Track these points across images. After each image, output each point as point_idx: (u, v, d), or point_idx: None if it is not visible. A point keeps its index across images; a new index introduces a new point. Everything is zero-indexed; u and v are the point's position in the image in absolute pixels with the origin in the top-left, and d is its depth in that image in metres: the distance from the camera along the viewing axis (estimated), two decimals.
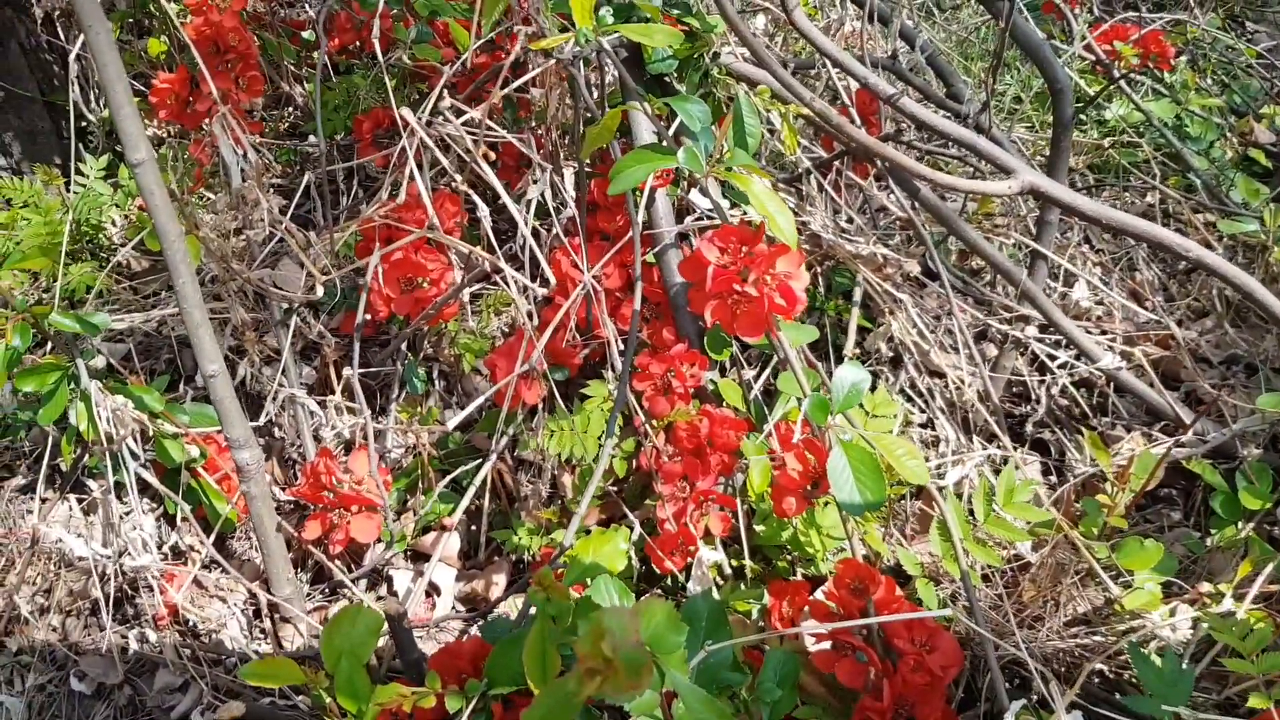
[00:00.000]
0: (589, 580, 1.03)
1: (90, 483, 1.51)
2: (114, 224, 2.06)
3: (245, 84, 1.73)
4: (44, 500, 1.51)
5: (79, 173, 2.02)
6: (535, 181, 1.51)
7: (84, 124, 2.22)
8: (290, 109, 2.48)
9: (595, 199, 1.71)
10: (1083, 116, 2.43)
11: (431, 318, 1.54)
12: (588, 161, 1.64)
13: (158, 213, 1.14)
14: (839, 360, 1.73)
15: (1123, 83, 2.22)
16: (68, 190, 2.04)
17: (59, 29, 2.27)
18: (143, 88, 2.35)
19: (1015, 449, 1.67)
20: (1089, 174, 2.35)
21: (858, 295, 1.66)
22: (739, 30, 1.24)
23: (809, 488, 1.09)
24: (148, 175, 1.13)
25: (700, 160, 1.01)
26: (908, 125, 1.99)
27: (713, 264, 0.97)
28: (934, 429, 1.62)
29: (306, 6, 2.50)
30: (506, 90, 1.58)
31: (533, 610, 1.07)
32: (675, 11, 1.60)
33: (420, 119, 1.41)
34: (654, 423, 1.34)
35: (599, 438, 1.42)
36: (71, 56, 1.56)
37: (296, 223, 2.10)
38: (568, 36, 1.03)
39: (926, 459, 1.53)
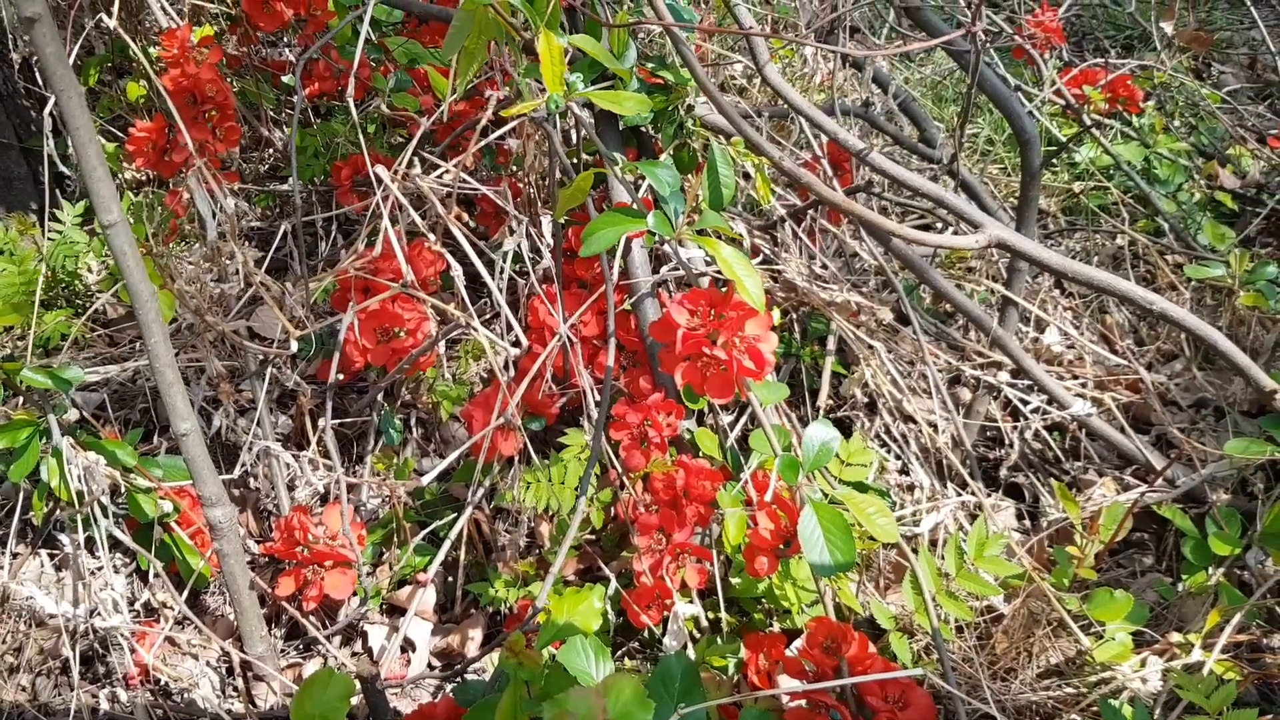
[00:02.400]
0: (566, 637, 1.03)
1: (62, 537, 1.49)
2: (90, 270, 2.05)
3: (222, 134, 1.74)
4: (15, 555, 1.49)
5: (55, 219, 2.01)
6: (512, 232, 1.52)
7: (60, 170, 2.22)
8: (270, 151, 2.49)
9: (572, 246, 1.72)
10: (1054, 160, 2.47)
11: (408, 369, 1.54)
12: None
13: (130, 274, 1.14)
14: (815, 403, 1.75)
15: (1093, 127, 2.26)
16: (44, 237, 2.04)
17: (36, 75, 2.28)
18: (120, 133, 2.36)
19: (989, 494, 1.68)
20: (1060, 217, 2.39)
21: (832, 343, 1.68)
22: (710, 93, 1.26)
23: (781, 546, 1.10)
24: (119, 237, 1.13)
25: (670, 224, 1.02)
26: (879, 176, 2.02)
27: (682, 327, 0.99)
28: (910, 474, 1.64)
29: (286, 51, 2.52)
30: (484, 142, 1.59)
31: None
32: (650, 65, 1.63)
33: (396, 173, 1.42)
34: (630, 475, 1.34)
35: (575, 489, 1.42)
36: (46, 111, 1.56)
37: (275, 267, 2.10)
38: (539, 102, 1.05)
39: (902, 505, 1.54)
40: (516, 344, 1.25)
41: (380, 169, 1.29)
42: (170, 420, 1.22)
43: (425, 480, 1.27)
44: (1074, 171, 2.47)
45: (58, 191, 2.24)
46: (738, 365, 0.97)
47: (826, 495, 1.08)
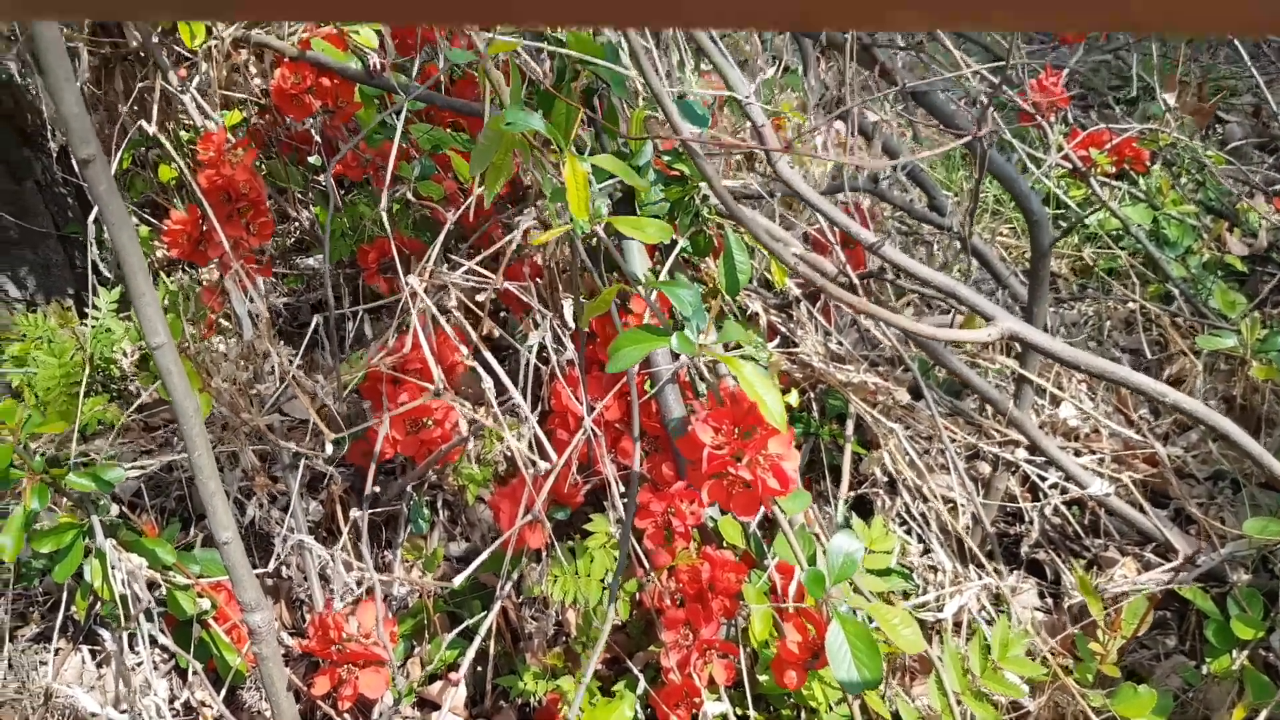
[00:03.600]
0: None
1: (103, 632, 1.53)
2: (125, 354, 2.11)
3: (256, 229, 1.81)
4: (57, 651, 1.53)
5: (93, 306, 2.08)
6: (536, 326, 1.57)
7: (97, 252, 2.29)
8: (296, 225, 2.56)
9: (593, 328, 1.77)
10: (1062, 221, 2.51)
11: (437, 462, 1.58)
12: (587, 294, 1.70)
13: (175, 390, 1.19)
14: (834, 480, 1.78)
15: (1101, 189, 2.30)
16: (81, 325, 2.10)
17: (73, 162, 2.36)
18: (152, 216, 2.43)
19: (1011, 570, 1.70)
20: (1071, 279, 2.42)
21: (850, 427, 1.71)
22: (727, 204, 1.31)
23: (809, 659, 1.12)
24: (166, 357, 1.18)
25: (692, 343, 1.06)
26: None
27: (708, 446, 1.02)
28: (931, 554, 1.66)
29: (312, 130, 2.59)
30: (505, 236, 1.64)
31: None
32: (666, 157, 1.68)
33: (423, 270, 1.47)
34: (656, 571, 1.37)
35: (601, 581, 1.45)
36: (90, 220, 1.64)
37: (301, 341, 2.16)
38: (566, 228, 1.09)
39: (924, 589, 1.56)
40: (545, 456, 1.28)
41: (412, 279, 1.33)
42: (211, 528, 1.26)
43: (457, 581, 1.30)
44: (1083, 233, 2.51)
45: (92, 276, 2.31)
46: (762, 485, 1.00)
47: (852, 607, 1.10)
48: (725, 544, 1.47)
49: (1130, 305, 2.22)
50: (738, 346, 1.19)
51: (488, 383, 1.31)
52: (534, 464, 1.47)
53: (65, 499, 1.55)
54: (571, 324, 1.74)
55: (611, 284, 1.65)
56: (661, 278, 1.69)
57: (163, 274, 2.39)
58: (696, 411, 1.52)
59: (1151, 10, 0.30)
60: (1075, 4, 0.30)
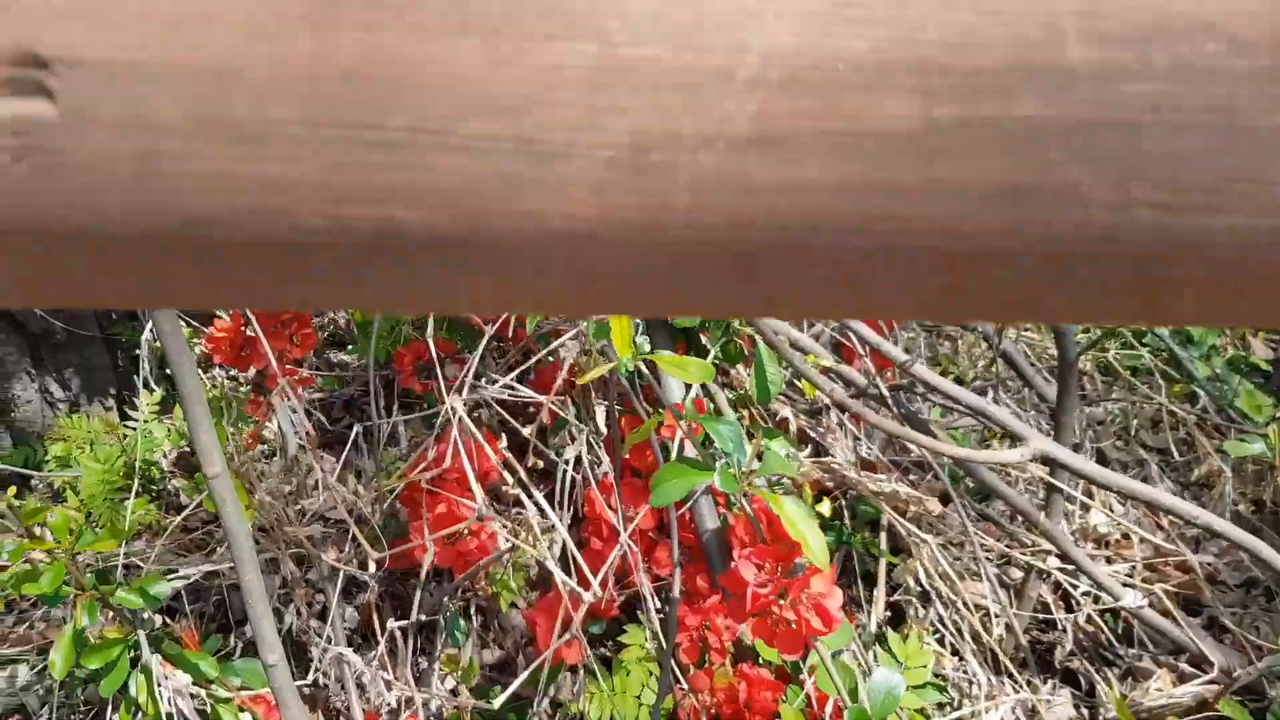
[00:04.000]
0: None
1: None
2: (164, 456, 2.16)
3: (299, 340, 1.87)
4: None
5: (134, 407, 2.14)
6: (573, 440, 1.61)
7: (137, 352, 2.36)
8: (329, 319, 2.62)
9: (625, 435, 1.80)
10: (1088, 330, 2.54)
11: (474, 576, 1.61)
12: (617, 396, 1.75)
13: (229, 517, 1.23)
14: (867, 585, 1.78)
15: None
16: (122, 421, 2.16)
17: None
18: (190, 320, 2.51)
19: (1044, 680, 1.69)
20: (1097, 376, 2.44)
21: (884, 538, 1.73)
22: (765, 335, 1.35)
23: None
24: (221, 486, 1.22)
25: (734, 480, 1.09)
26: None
27: (751, 585, 1.05)
28: (965, 664, 1.65)
29: None
30: (555, 357, 1.69)
31: None
32: None
33: (462, 385, 1.52)
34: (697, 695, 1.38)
35: (637, 697, 1.46)
36: (143, 338, 1.70)
37: (337, 440, 2.20)
38: (610, 367, 1.14)
39: (958, 703, 1.56)
40: (587, 586, 1.31)
41: (456, 400, 1.38)
42: (259, 650, 1.29)
43: (497, 704, 1.31)
44: (1106, 330, 2.53)
45: (134, 378, 2.38)
46: (806, 625, 1.02)
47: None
48: (761, 659, 1.48)
49: (1156, 404, 2.24)
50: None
51: (530, 511, 1.35)
52: (569, 582, 1.49)
53: (110, 610, 1.58)
54: (604, 429, 1.78)
55: (643, 393, 1.70)
56: (694, 391, 1.74)
57: (200, 373, 2.46)
58: (731, 524, 1.54)
59: (1201, 313, 0.34)
60: (1128, 311, 0.34)
